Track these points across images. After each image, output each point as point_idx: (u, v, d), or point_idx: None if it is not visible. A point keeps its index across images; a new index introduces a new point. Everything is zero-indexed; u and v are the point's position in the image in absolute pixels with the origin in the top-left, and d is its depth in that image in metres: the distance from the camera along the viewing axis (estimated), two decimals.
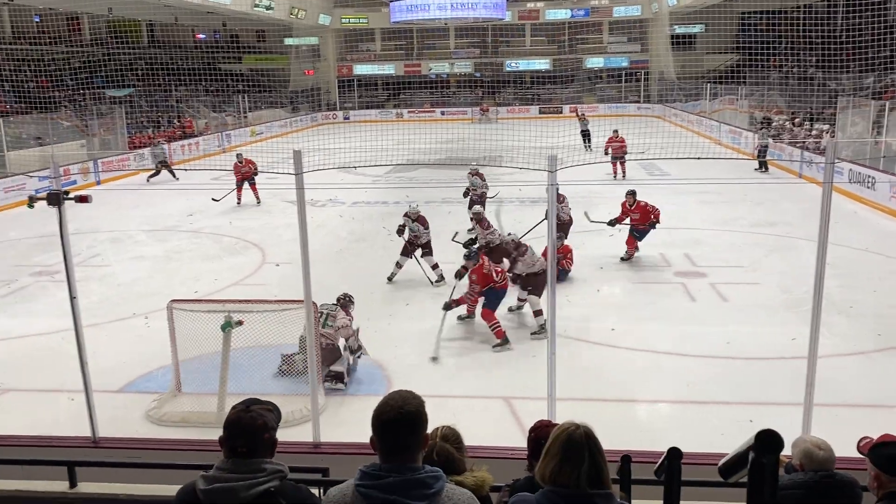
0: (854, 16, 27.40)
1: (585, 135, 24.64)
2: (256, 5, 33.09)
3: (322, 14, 41.07)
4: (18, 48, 29.80)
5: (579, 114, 26.70)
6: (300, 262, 5.01)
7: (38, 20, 30.45)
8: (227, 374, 6.59)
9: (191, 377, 7.05)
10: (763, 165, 20.59)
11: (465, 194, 13.96)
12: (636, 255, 11.58)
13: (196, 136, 28.94)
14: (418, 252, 10.70)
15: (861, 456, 2.82)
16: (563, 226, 10.78)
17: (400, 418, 2.08)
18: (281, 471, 2.27)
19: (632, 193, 11.49)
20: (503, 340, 8.15)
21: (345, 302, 7.88)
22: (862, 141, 18.06)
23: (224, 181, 17.42)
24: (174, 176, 20.90)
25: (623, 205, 11.52)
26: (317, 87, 41.85)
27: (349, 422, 6.28)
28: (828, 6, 30.06)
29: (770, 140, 21.46)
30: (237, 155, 17.97)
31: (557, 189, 4.91)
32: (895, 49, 24.33)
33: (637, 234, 11.47)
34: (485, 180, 13.98)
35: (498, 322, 8.25)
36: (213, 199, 16.61)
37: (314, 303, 5.41)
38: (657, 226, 11.41)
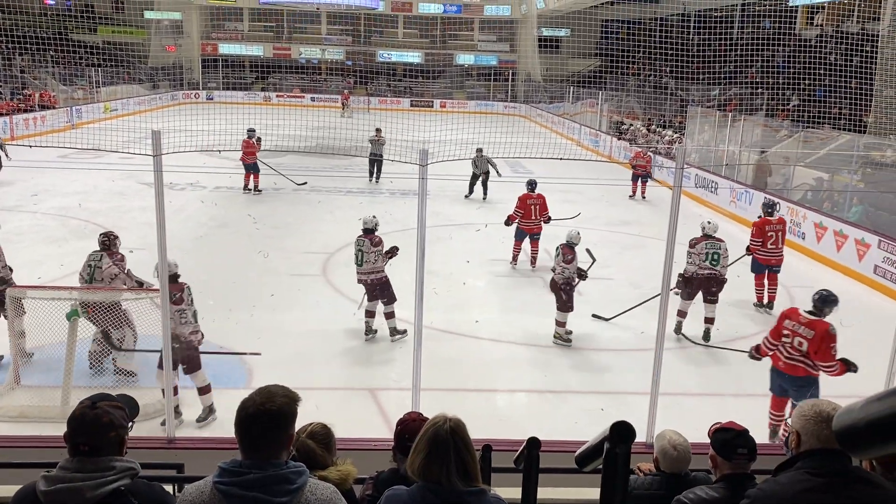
0: (703, 31, 29.57)
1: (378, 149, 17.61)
2: None
3: None
4: None
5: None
6: (156, 248, 4.75)
7: None
8: (72, 365, 6.18)
9: (31, 369, 6.56)
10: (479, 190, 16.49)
11: None
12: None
13: (41, 109, 26.71)
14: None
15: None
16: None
17: (262, 414, 2.03)
18: (132, 468, 2.16)
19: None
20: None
21: (109, 241, 7.13)
22: (708, 148, 19.47)
23: (72, 159, 16.22)
24: (6, 154, 16.69)
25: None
26: (179, 64, 39.82)
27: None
28: (681, 21, 32.29)
29: (494, 168, 16.20)
30: (249, 131, 15.46)
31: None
32: (738, 64, 26.49)
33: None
34: None
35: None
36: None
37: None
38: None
